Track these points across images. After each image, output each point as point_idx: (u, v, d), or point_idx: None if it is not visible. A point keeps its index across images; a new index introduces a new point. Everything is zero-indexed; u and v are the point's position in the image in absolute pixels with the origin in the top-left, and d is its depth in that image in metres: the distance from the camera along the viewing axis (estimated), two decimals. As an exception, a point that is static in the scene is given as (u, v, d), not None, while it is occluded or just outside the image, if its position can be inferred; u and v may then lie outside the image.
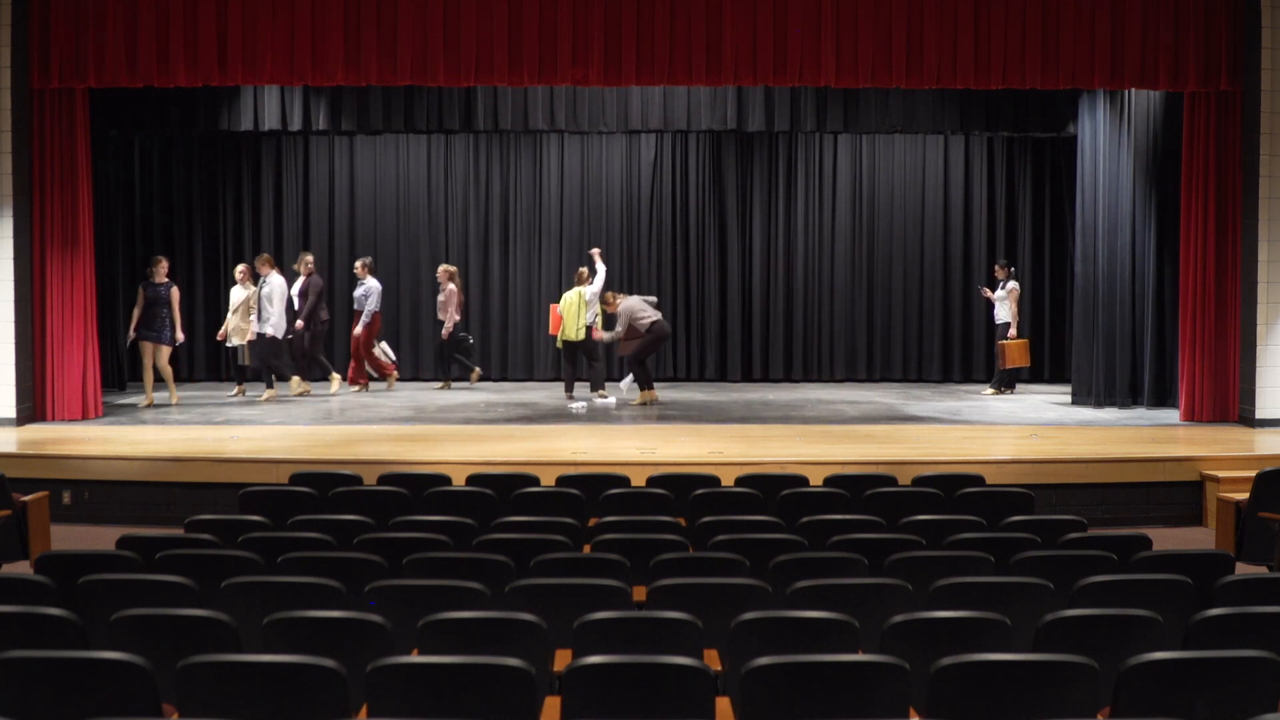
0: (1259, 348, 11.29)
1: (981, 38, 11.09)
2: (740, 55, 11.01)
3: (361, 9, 10.95)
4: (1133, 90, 12.18)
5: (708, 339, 15.75)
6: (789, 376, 15.68)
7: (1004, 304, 14.01)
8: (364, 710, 3.87)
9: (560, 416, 12.18)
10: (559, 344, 13.74)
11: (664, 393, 14.28)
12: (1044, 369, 15.49)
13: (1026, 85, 11.28)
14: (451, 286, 14.19)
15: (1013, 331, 13.96)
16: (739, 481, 7.49)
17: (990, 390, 14.25)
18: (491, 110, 13.36)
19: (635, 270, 15.74)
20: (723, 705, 4.05)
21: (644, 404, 12.99)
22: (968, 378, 15.59)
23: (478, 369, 14.83)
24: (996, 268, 14.39)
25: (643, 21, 10.99)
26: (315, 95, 13.34)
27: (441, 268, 14.39)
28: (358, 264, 14.15)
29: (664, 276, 15.75)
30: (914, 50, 11.06)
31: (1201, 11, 11.15)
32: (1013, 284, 14.12)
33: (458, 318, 14.27)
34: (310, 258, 14.01)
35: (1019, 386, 14.43)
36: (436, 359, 14.87)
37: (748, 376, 15.70)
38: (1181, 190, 11.80)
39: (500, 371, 15.72)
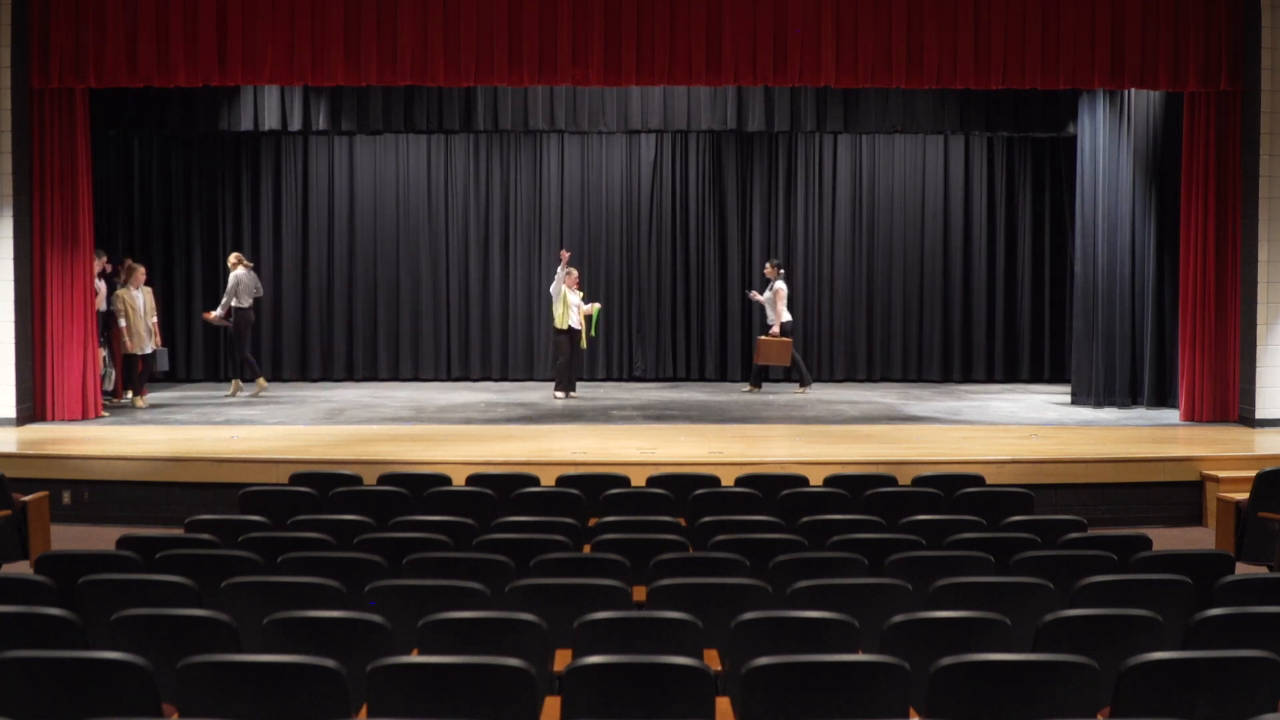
0: (1259, 348, 11.28)
1: (981, 38, 11.08)
2: (740, 55, 11.01)
3: (361, 9, 10.95)
4: (1133, 90, 12.17)
5: (708, 339, 15.74)
6: (789, 376, 15.65)
7: (771, 305, 13.99)
8: (364, 710, 3.87)
9: (560, 416, 12.18)
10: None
11: (664, 393, 14.29)
12: (1044, 369, 15.50)
13: (1026, 85, 11.27)
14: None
15: (774, 330, 13.93)
16: (739, 481, 7.49)
17: (749, 388, 14.29)
18: (491, 110, 13.37)
19: (635, 270, 15.74)
20: (723, 705, 4.05)
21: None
22: (968, 378, 15.58)
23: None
24: (768, 266, 14.31)
25: (643, 21, 10.99)
26: (315, 95, 13.35)
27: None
28: None
29: (664, 276, 15.74)
30: (914, 50, 11.05)
31: (1201, 12, 11.14)
32: (779, 284, 14.05)
33: None
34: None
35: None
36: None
37: (748, 377, 15.67)
38: (1181, 190, 11.79)
39: (500, 371, 15.71)
